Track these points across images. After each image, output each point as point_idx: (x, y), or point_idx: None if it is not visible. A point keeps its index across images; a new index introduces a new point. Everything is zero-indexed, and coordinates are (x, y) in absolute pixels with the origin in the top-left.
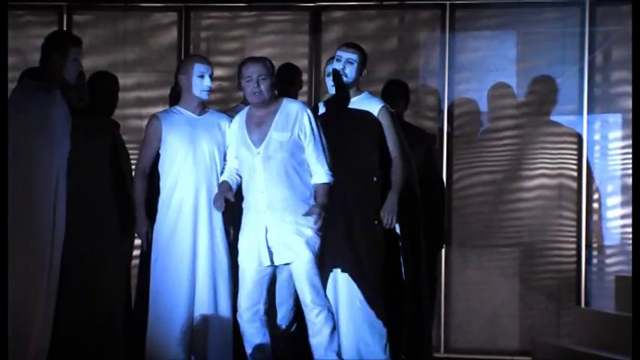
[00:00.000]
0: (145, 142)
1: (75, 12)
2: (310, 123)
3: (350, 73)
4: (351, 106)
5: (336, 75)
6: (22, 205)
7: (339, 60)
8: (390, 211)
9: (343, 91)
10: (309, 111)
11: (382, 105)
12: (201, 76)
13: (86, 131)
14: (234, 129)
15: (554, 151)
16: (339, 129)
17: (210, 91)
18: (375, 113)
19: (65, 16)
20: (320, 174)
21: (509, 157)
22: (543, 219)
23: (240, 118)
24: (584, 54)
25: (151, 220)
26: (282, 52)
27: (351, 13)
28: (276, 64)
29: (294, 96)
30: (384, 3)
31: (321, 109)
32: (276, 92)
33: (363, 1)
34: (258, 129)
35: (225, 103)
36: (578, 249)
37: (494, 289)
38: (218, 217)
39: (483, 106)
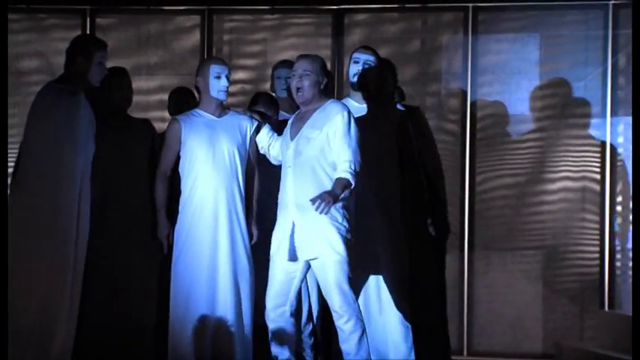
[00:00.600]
0: (165, 145)
1: (98, 15)
2: (343, 122)
3: (369, 74)
4: (369, 108)
5: (360, 75)
6: (45, 207)
7: (357, 62)
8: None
9: (359, 91)
10: (345, 113)
11: (403, 110)
12: (218, 77)
13: (127, 132)
14: (289, 122)
15: (577, 154)
16: (364, 129)
17: (230, 92)
18: (395, 119)
19: (88, 19)
20: (340, 170)
21: (532, 159)
22: (566, 222)
23: (296, 113)
24: (607, 57)
25: (173, 223)
26: None
27: (373, 15)
28: None
29: None
30: (407, 6)
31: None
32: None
33: (385, 3)
34: (297, 123)
35: (247, 105)
36: (602, 252)
37: (517, 291)
38: (239, 218)
39: (506, 109)
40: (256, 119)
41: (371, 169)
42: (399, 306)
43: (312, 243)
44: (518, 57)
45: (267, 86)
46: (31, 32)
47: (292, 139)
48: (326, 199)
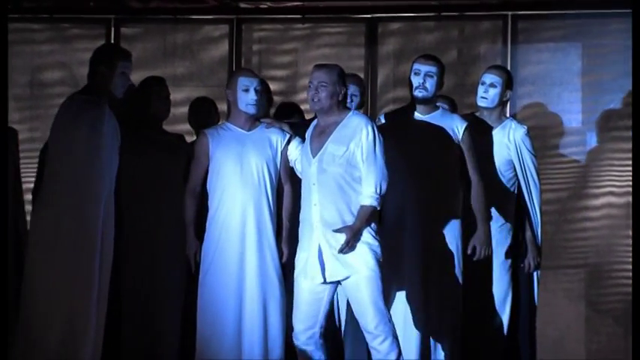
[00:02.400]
0: (193, 159)
1: (123, 25)
2: (368, 139)
3: (430, 86)
4: (430, 121)
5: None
6: (69, 223)
7: (417, 73)
8: (484, 243)
9: (422, 104)
10: (370, 127)
11: (466, 124)
12: (246, 90)
13: (162, 147)
14: (307, 134)
15: (621, 168)
16: (413, 142)
17: (259, 104)
18: (460, 133)
19: (113, 29)
20: (365, 195)
21: (575, 174)
22: (610, 239)
23: (313, 124)
24: None
25: (201, 241)
26: None
27: (408, 24)
28: None
29: None
30: (443, 14)
31: (383, 120)
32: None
33: (421, 12)
34: (318, 139)
35: (277, 118)
36: None
37: (559, 312)
38: (268, 235)
39: (547, 121)
40: (288, 132)
41: (421, 182)
42: (440, 332)
43: (342, 262)
44: (559, 67)
45: (297, 98)
46: (54, 43)
47: (314, 155)
48: (350, 241)
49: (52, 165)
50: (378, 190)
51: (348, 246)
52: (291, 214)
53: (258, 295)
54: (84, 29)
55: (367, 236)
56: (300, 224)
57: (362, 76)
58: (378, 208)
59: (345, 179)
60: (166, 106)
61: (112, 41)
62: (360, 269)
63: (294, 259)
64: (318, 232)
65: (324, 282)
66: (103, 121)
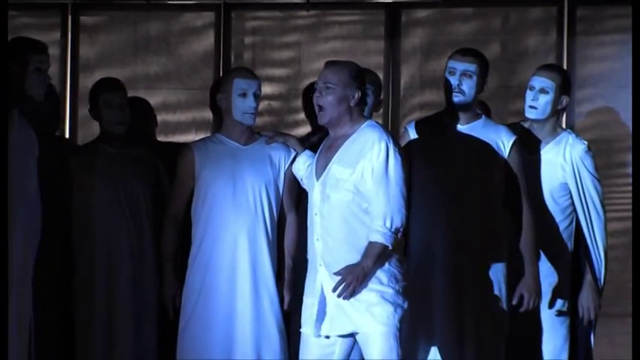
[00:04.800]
0: (175, 180)
1: (83, 12)
2: (379, 159)
3: (468, 89)
4: (469, 132)
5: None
6: None
7: (452, 73)
8: (532, 291)
9: (459, 110)
10: (383, 144)
11: (515, 137)
12: (243, 95)
13: (125, 165)
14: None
15: None
16: (448, 159)
17: (257, 113)
18: (506, 148)
19: (70, 18)
20: (374, 231)
21: None
22: None
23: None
24: None
25: (182, 281)
26: None
27: (439, 11)
28: None
29: None
30: None
31: (412, 132)
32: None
33: None
34: (325, 155)
35: (276, 127)
36: None
37: None
38: (266, 276)
39: (612, 133)
40: (294, 149)
41: (457, 209)
42: None
43: (344, 313)
44: (627, 65)
45: (300, 103)
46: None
47: (318, 177)
48: (351, 283)
49: None
50: (388, 224)
51: (348, 291)
52: (296, 250)
53: (253, 352)
54: (35, 17)
55: (380, 282)
56: (309, 261)
57: (381, 76)
58: (390, 247)
59: (352, 211)
60: (120, 119)
61: (70, 31)
62: (368, 324)
63: (299, 306)
64: (321, 273)
65: (327, 335)
66: (10, 134)
